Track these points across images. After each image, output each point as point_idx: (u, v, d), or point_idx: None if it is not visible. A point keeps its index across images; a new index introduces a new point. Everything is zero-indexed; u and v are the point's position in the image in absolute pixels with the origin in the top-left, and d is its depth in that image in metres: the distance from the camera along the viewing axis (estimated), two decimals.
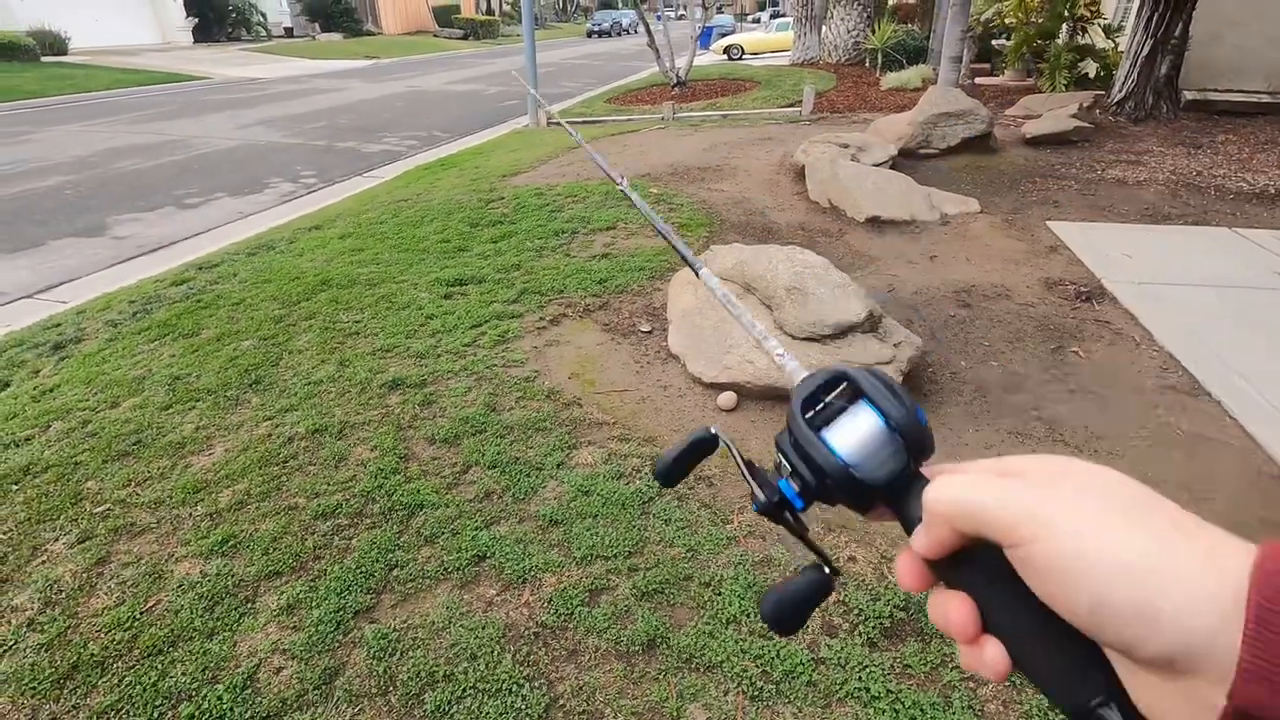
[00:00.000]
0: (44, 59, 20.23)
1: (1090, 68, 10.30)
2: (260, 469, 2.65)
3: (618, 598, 2.02)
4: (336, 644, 1.91)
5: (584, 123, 11.01)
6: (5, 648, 1.97)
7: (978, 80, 11.95)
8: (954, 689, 1.74)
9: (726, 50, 22.22)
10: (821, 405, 0.43)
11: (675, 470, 0.51)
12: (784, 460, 0.43)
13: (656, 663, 1.83)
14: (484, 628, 1.93)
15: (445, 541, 2.24)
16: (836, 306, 3.10)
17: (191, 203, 7.46)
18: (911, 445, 0.39)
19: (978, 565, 0.35)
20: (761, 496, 0.44)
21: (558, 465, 2.60)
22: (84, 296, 4.88)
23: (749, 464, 0.46)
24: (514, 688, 1.77)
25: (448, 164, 8.48)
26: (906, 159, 6.67)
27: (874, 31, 13.92)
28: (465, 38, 36.51)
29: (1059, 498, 0.31)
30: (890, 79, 11.96)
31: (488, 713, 1.71)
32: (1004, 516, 0.32)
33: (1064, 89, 9.71)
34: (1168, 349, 3.47)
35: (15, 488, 2.65)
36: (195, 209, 7.25)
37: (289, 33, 32.08)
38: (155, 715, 1.75)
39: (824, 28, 15.85)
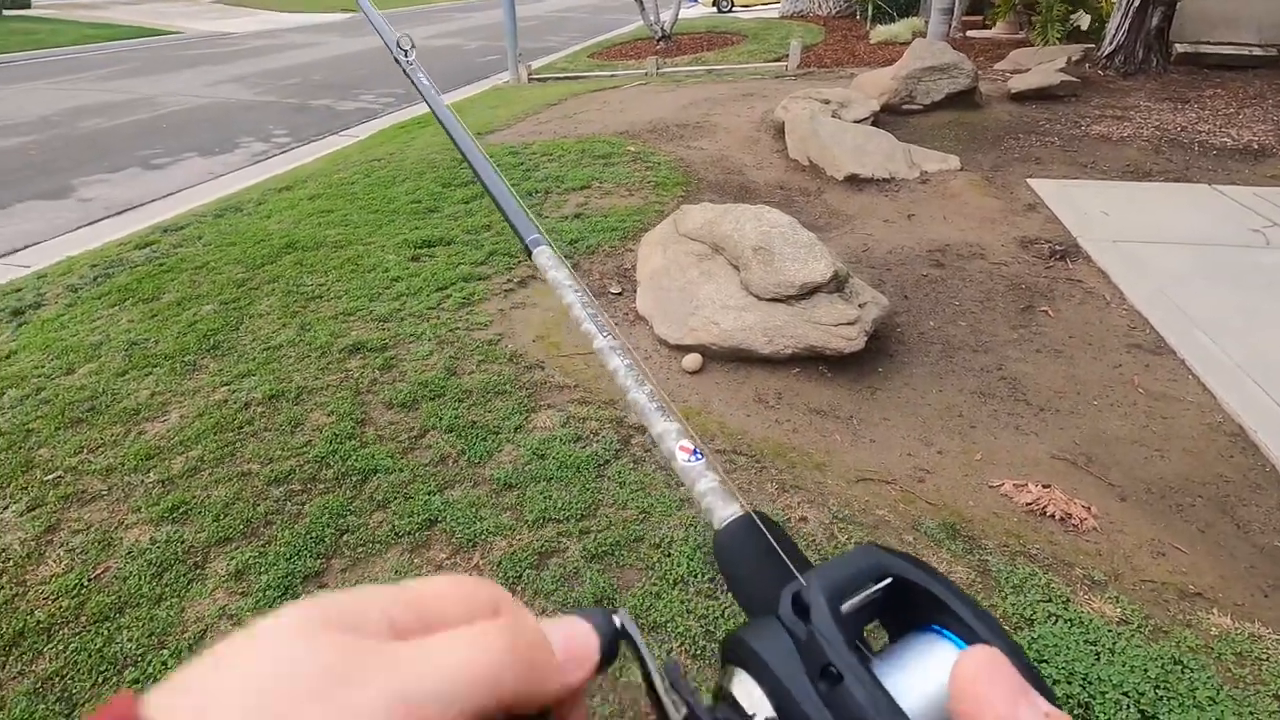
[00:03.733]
0: (5, 13, 19.46)
1: (1084, 20, 10.06)
2: (215, 435, 2.62)
3: (567, 560, 2.02)
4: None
5: (565, 78, 10.72)
6: None
7: (969, 33, 11.68)
8: None
9: (716, 2, 21.59)
10: (863, 596, 0.27)
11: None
12: (765, 695, 0.25)
13: None
14: None
15: (398, 506, 2.24)
16: (803, 267, 3.06)
17: (159, 163, 7.27)
18: None
19: None
20: None
21: (515, 429, 2.58)
22: (47, 261, 4.77)
23: (675, 678, 0.27)
24: None
25: (424, 122, 8.25)
26: (889, 115, 6.53)
27: None
28: None
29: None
30: (880, 32, 11.67)
31: None
32: None
33: (1056, 42, 9.49)
34: (1136, 307, 3.45)
35: None
36: (163, 170, 7.06)
37: None
38: (100, 680, 1.76)
39: None
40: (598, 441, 2.51)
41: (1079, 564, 2.06)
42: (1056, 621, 1.82)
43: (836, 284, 3.06)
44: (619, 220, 4.53)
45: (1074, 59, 7.97)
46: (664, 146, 6.13)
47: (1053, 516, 2.26)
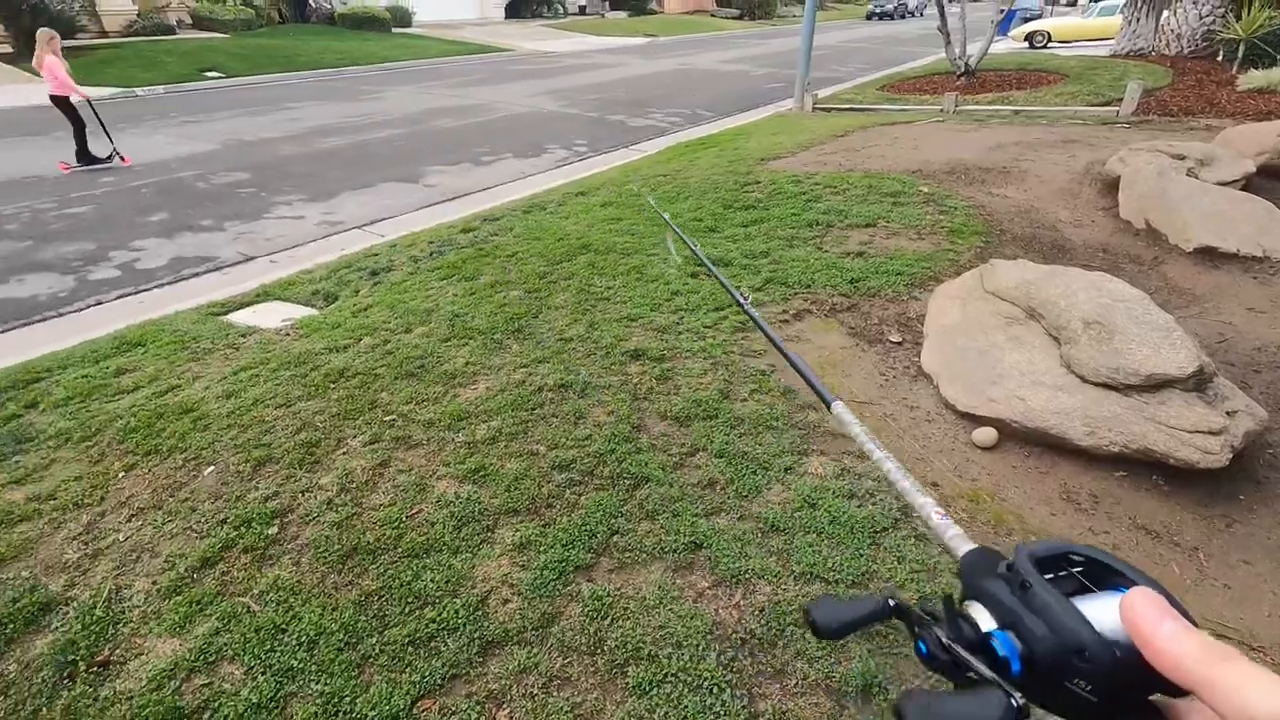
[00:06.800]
0: (394, 30, 24.22)
1: None
2: (512, 411, 2.90)
3: None
4: (556, 593, 2.03)
5: (852, 109, 10.45)
6: (310, 518, 2.39)
7: None
8: None
9: (1028, 37, 19.64)
10: (1062, 574, 0.43)
11: (841, 631, 0.53)
12: (991, 615, 0.44)
13: (870, 711, 1.67)
14: (692, 618, 1.92)
15: (665, 521, 2.27)
16: (1153, 354, 2.55)
17: (485, 160, 8.45)
18: None
19: None
20: (954, 635, 0.45)
21: (785, 469, 2.49)
22: (397, 233, 5.76)
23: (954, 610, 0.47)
24: (715, 689, 1.73)
25: (708, 143, 8.58)
26: (1269, 180, 5.32)
27: (1238, 17, 11.27)
28: (740, 17, 36.66)
29: None
30: (1253, 77, 9.63)
31: (687, 705, 1.69)
32: None
33: None
34: None
35: (332, 387, 3.20)
36: (487, 166, 8.19)
37: (582, 10, 34.82)
38: (406, 609, 2.00)
39: (1165, 12, 13.20)
40: (874, 504, 2.32)
41: None
42: None
43: (1198, 382, 2.51)
44: (905, 265, 4.24)
45: None
46: (962, 190, 5.64)
47: None
